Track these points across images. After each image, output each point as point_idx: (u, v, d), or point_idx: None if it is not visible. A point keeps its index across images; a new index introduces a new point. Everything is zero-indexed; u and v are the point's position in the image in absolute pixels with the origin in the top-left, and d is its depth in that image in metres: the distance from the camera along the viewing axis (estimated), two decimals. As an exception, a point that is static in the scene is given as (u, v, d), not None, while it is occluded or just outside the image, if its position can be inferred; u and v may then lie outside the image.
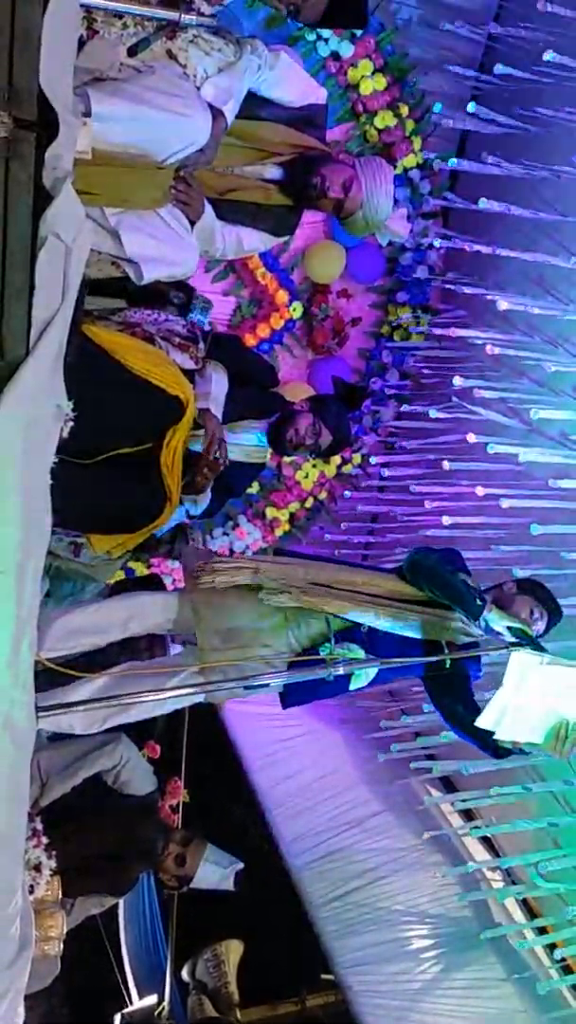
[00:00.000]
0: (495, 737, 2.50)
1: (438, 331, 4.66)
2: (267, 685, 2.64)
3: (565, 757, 2.49)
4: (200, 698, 2.71)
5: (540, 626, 2.76)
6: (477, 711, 2.55)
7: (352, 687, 2.70)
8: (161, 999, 4.54)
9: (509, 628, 2.64)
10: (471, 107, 4.07)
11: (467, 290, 4.14)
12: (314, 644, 2.67)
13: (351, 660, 2.60)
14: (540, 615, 2.76)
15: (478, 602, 2.64)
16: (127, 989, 4.63)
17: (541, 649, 2.57)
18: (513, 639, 2.62)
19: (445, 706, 2.78)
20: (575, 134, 3.75)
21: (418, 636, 2.72)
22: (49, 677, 2.28)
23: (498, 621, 2.64)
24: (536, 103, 3.93)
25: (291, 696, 2.76)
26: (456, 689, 2.74)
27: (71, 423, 1.90)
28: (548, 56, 3.53)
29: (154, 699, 2.48)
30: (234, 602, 2.71)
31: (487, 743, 2.59)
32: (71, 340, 1.78)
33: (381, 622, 2.71)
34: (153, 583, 3.86)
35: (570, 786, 3.88)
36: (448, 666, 2.68)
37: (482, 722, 2.46)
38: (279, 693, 2.77)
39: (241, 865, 3.28)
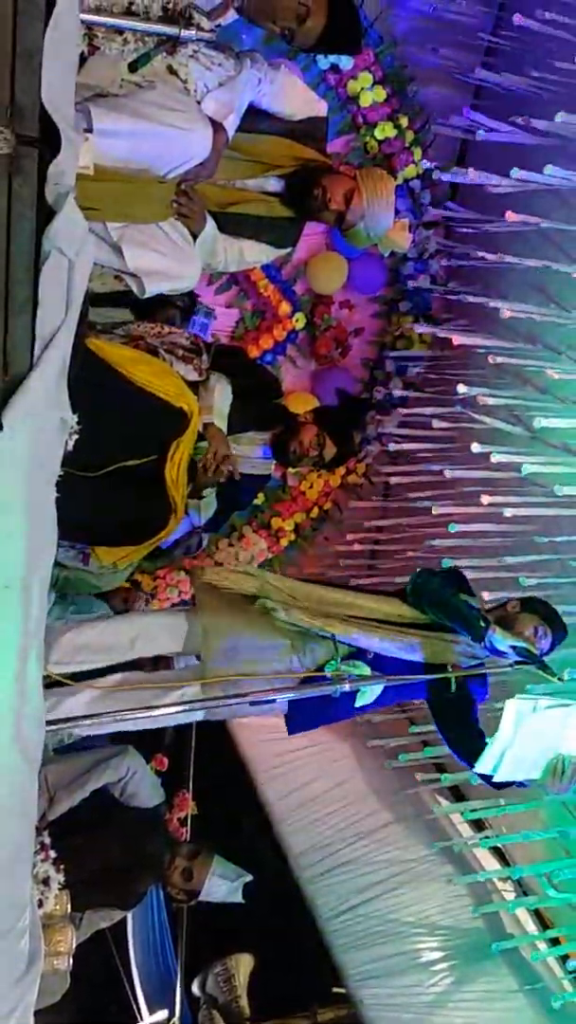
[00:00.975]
0: (494, 780, 2.56)
1: (441, 339, 4.67)
2: (273, 701, 2.63)
3: (563, 792, 2.55)
4: (200, 715, 2.70)
5: (545, 644, 2.76)
6: (481, 736, 2.59)
7: (358, 704, 2.70)
8: (171, 1014, 4.51)
9: (514, 647, 2.64)
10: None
11: (470, 299, 4.14)
12: (320, 669, 2.67)
13: (357, 677, 2.60)
14: (544, 633, 2.77)
15: (481, 623, 2.64)
16: (137, 1004, 4.60)
17: (546, 667, 2.58)
18: (518, 658, 2.64)
19: (450, 732, 2.80)
20: (573, 143, 3.76)
21: (422, 660, 2.73)
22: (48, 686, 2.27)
23: (502, 641, 2.65)
24: (534, 112, 3.94)
25: (296, 721, 2.75)
26: (461, 714, 2.75)
27: (75, 436, 1.90)
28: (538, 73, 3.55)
29: (155, 715, 2.48)
30: (242, 627, 2.71)
31: (486, 776, 2.62)
32: (75, 354, 1.79)
33: (385, 645, 2.71)
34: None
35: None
36: (453, 689, 2.69)
37: (481, 768, 2.52)
38: (284, 717, 2.77)
39: (249, 877, 3.27)
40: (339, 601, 2.76)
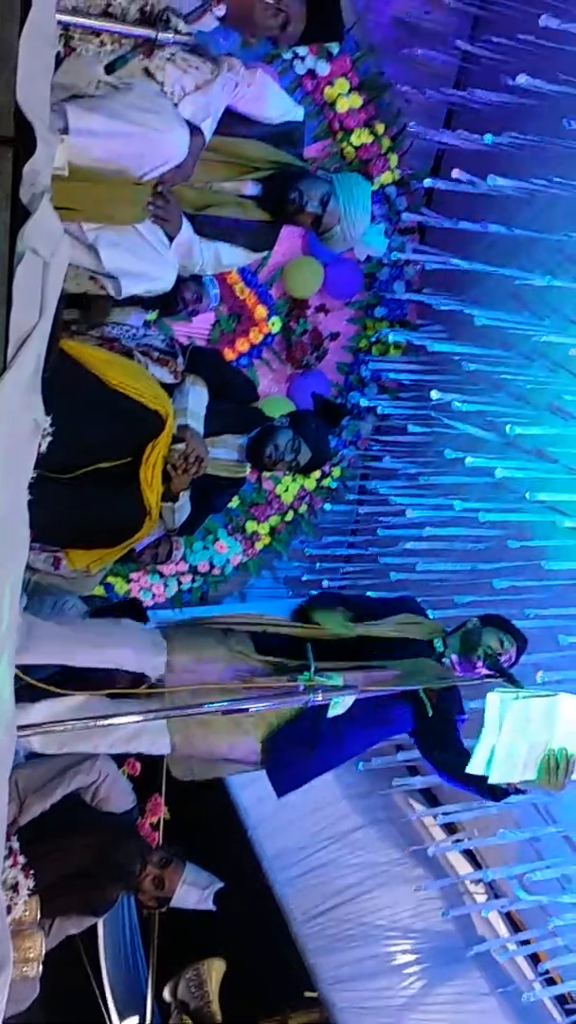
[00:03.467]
0: (490, 782, 2.52)
1: (416, 345, 4.70)
2: (246, 710, 2.62)
3: (562, 788, 2.51)
4: (167, 749, 2.69)
5: (511, 654, 2.80)
6: (467, 755, 2.55)
7: (330, 714, 2.68)
8: (142, 1020, 4.48)
9: (483, 656, 2.69)
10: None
11: (443, 308, 4.18)
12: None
13: (330, 687, 2.59)
14: (510, 643, 2.79)
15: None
16: (107, 1010, 4.56)
17: (514, 680, 2.60)
18: (487, 672, 2.69)
19: (436, 758, 2.80)
20: (547, 151, 3.81)
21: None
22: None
23: (468, 651, 2.73)
24: (509, 121, 3.99)
25: (283, 779, 2.74)
26: (445, 738, 2.76)
27: (49, 438, 1.89)
28: (521, 80, 3.59)
29: (119, 721, 2.46)
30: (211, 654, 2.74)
31: (483, 788, 2.61)
32: (49, 355, 1.78)
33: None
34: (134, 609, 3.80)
35: (550, 797, 3.88)
36: (431, 714, 2.70)
37: (473, 768, 2.48)
38: (269, 779, 2.75)
39: (221, 884, 3.25)
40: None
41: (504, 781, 2.53)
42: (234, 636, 2.80)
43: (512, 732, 2.41)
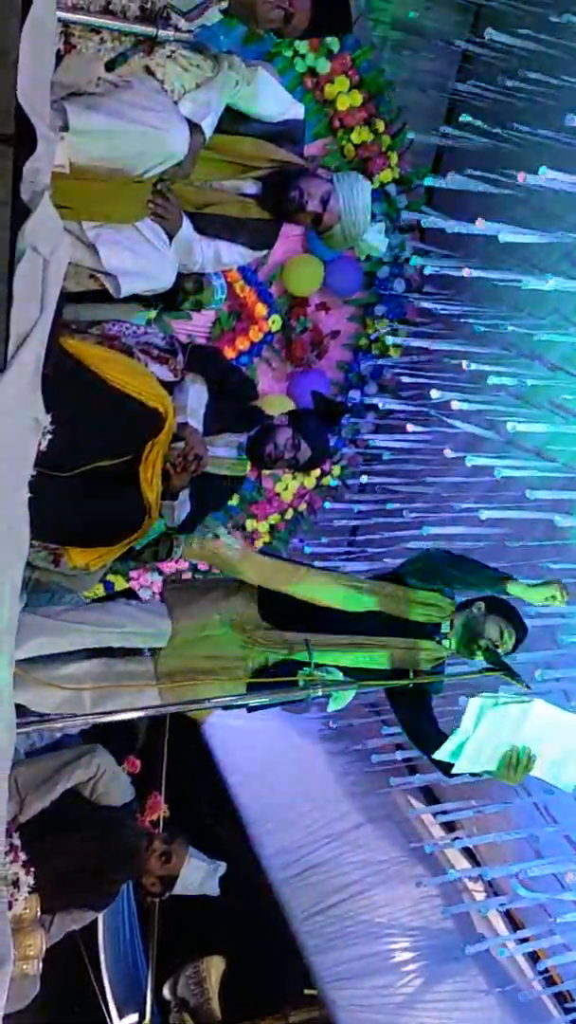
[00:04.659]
0: (454, 771, 2.62)
1: (416, 344, 4.70)
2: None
3: (519, 782, 2.62)
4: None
5: (510, 645, 2.81)
6: (434, 721, 2.70)
7: (330, 709, 2.73)
8: (142, 1018, 4.49)
9: (483, 649, 2.72)
10: (463, 117, 4.06)
11: (442, 310, 4.17)
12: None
13: (330, 682, 2.62)
14: (510, 635, 2.80)
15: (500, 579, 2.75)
16: (107, 1008, 4.57)
17: (513, 673, 2.62)
18: (484, 661, 2.72)
19: (406, 720, 2.88)
20: (547, 150, 3.81)
21: (386, 667, 2.79)
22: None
23: (469, 641, 2.75)
24: (509, 119, 3.99)
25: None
26: (418, 706, 2.83)
27: (49, 436, 1.89)
28: (512, 82, 3.59)
29: (114, 718, 2.48)
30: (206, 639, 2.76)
31: (441, 764, 2.68)
32: (49, 353, 1.78)
33: (348, 660, 2.75)
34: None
35: (550, 795, 3.89)
36: (411, 687, 2.76)
37: (441, 755, 2.58)
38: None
39: (225, 865, 3.25)
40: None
41: (467, 771, 2.64)
42: (239, 597, 2.81)
43: (486, 732, 2.51)
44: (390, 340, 4.99)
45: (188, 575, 5.06)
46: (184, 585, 2.98)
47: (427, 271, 4.23)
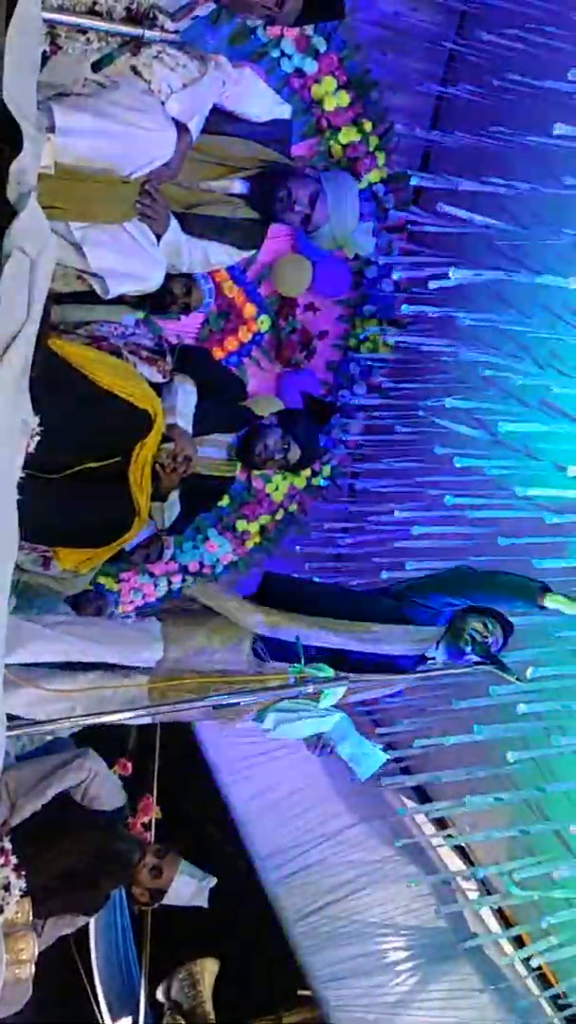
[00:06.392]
0: (263, 727, 2.70)
1: (405, 343, 4.70)
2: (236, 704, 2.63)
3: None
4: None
5: (498, 637, 2.81)
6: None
7: (322, 705, 2.72)
8: (135, 1021, 4.47)
9: (471, 642, 2.73)
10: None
11: (431, 313, 4.17)
12: None
13: (322, 679, 2.62)
14: (493, 624, 2.81)
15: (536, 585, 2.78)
16: (100, 1011, 4.56)
17: (504, 667, 2.63)
18: (478, 659, 2.73)
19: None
20: (534, 149, 3.81)
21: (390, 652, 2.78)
22: None
23: (455, 638, 2.76)
24: (496, 118, 3.99)
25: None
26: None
27: (37, 438, 1.88)
28: (499, 81, 3.60)
29: (109, 719, 2.47)
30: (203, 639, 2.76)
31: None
32: (37, 354, 1.77)
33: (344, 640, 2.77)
34: None
35: (542, 793, 3.90)
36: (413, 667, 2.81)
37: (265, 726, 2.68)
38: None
39: (214, 880, 3.25)
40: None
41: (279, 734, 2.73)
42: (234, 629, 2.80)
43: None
44: (380, 340, 4.99)
45: (178, 576, 5.06)
46: (182, 617, 2.94)
47: (413, 274, 4.23)
